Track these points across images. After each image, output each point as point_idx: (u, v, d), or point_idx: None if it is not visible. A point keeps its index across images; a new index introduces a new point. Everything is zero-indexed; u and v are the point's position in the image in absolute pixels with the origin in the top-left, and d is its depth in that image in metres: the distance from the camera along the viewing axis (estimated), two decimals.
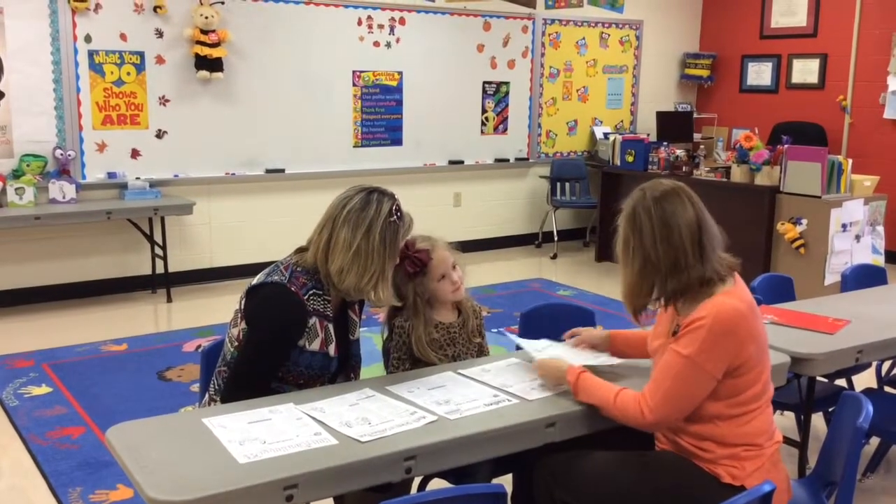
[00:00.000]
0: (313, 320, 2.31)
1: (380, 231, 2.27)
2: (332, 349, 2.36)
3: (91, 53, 5.85)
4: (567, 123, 8.39)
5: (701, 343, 2.07)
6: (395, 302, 2.43)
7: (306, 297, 2.30)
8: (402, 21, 7.14)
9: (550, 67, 8.16)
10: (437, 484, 2.55)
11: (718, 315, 2.08)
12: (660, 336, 2.28)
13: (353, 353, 2.52)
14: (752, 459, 2.13)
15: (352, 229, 2.27)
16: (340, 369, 2.46)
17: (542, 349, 2.57)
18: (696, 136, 8.59)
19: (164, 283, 6.11)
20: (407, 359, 2.59)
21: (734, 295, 2.14)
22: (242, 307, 2.33)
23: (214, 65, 6.19)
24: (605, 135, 8.26)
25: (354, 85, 6.99)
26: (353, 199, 2.31)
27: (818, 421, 3.52)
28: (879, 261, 6.04)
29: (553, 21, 8.08)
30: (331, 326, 2.36)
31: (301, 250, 2.40)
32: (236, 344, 2.31)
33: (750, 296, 2.21)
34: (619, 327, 2.66)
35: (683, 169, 6.89)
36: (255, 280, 2.35)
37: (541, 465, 2.28)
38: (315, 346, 2.32)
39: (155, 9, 6.00)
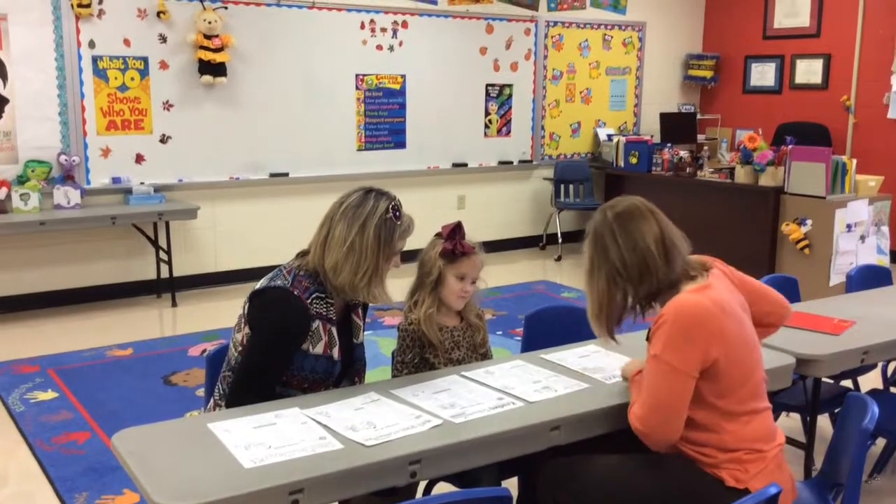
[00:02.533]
0: (316, 324, 2.31)
1: (374, 227, 2.29)
2: (335, 352, 2.36)
3: (95, 59, 5.86)
4: (570, 125, 8.39)
5: (665, 340, 2.06)
6: (390, 301, 2.44)
7: (309, 300, 2.31)
8: (404, 24, 7.15)
9: (553, 69, 8.16)
10: (442, 488, 2.55)
11: (679, 310, 2.07)
12: None
13: (358, 357, 2.52)
14: (755, 462, 2.12)
15: (347, 225, 2.29)
16: (344, 373, 2.47)
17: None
18: (700, 138, 8.59)
19: (169, 287, 6.12)
20: (411, 362, 2.59)
21: (700, 291, 2.12)
22: (246, 312, 2.34)
23: (218, 69, 6.21)
24: (609, 136, 8.26)
25: (358, 88, 7.00)
26: (351, 197, 2.35)
27: (824, 422, 3.51)
28: (884, 261, 6.03)
29: (556, 23, 8.08)
30: (334, 330, 2.36)
31: (303, 254, 2.41)
32: (240, 349, 2.32)
33: (725, 295, 2.16)
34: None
35: (687, 170, 6.89)
36: (259, 285, 2.36)
37: (545, 468, 2.28)
38: (319, 349, 2.32)
39: (158, 14, 6.01)
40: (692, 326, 2.06)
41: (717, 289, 2.16)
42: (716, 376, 2.08)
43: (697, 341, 2.05)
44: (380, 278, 2.32)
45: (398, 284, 2.51)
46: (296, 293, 2.29)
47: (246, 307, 2.35)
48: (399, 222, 2.34)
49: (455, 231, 2.60)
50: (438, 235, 2.64)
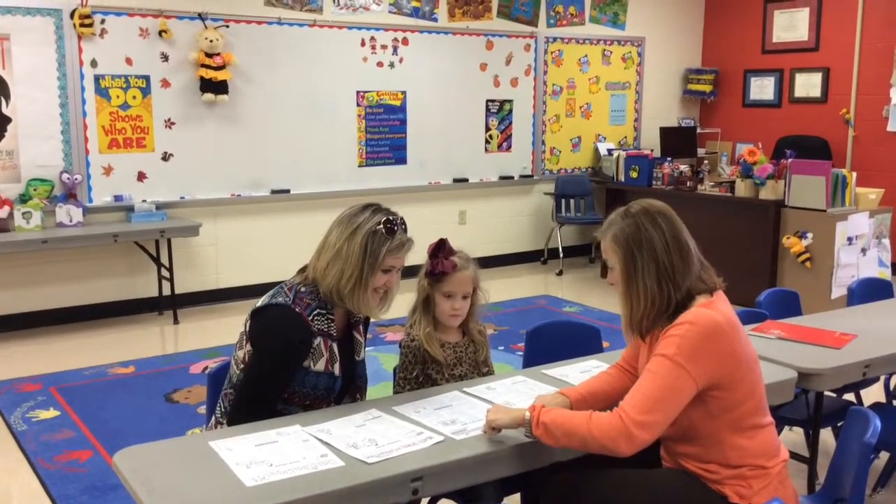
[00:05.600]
0: (318, 341, 2.32)
1: (363, 237, 2.31)
2: (336, 369, 2.36)
3: (97, 78, 5.89)
4: (571, 140, 8.42)
5: (680, 344, 2.04)
6: (374, 314, 2.44)
7: (311, 317, 2.31)
8: (405, 41, 7.19)
9: (553, 85, 8.19)
10: None
11: (696, 320, 2.07)
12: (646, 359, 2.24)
13: (359, 374, 2.52)
14: (759, 478, 2.11)
15: (340, 230, 2.35)
16: (346, 390, 2.47)
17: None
18: (700, 152, 8.60)
19: (171, 304, 6.12)
20: (413, 379, 2.59)
21: (711, 306, 2.13)
22: (247, 329, 2.35)
23: (219, 87, 6.24)
24: (609, 151, 8.28)
25: (358, 105, 7.02)
26: (352, 208, 2.40)
27: (827, 436, 3.50)
28: (886, 274, 6.02)
29: (555, 39, 8.12)
30: (335, 346, 2.37)
31: (304, 270, 2.42)
32: (242, 366, 2.32)
33: (730, 312, 2.16)
34: (626, 343, 2.62)
35: (688, 184, 6.90)
36: (260, 302, 2.36)
37: (548, 484, 2.27)
38: (320, 366, 2.32)
39: (160, 33, 6.05)
40: (708, 336, 2.06)
41: (724, 304, 2.17)
42: (724, 391, 2.08)
43: (712, 352, 2.06)
44: (364, 289, 2.32)
45: (400, 299, 2.51)
46: (297, 310, 2.30)
47: (247, 324, 2.35)
48: (390, 238, 2.34)
49: (438, 249, 2.55)
50: None
